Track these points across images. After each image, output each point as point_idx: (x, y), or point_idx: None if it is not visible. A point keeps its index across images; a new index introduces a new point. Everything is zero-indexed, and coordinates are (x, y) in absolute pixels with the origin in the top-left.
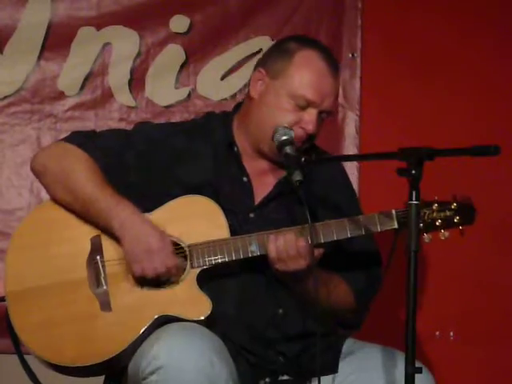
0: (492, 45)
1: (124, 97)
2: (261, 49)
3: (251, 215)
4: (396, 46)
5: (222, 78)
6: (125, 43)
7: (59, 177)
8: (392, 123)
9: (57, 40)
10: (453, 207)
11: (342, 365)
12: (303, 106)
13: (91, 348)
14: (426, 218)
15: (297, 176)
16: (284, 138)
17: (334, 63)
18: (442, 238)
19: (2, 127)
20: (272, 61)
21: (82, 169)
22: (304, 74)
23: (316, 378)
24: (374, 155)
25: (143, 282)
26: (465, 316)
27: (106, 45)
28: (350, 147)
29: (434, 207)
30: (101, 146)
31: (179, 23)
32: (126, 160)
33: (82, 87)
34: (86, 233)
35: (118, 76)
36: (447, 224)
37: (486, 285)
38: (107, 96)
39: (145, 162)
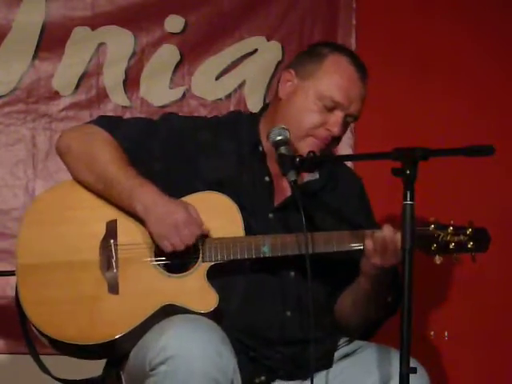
0: (488, 45)
1: (119, 97)
2: (256, 49)
3: (270, 216)
4: (390, 46)
5: (217, 78)
6: (119, 43)
7: (83, 157)
8: (386, 123)
9: (51, 40)
10: (468, 232)
11: (336, 360)
12: (330, 107)
13: (94, 328)
14: (440, 240)
15: (291, 176)
16: (279, 138)
17: (363, 70)
18: (454, 261)
19: None
20: (302, 63)
21: (107, 150)
22: (333, 77)
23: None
24: (368, 155)
25: (159, 266)
26: (460, 316)
27: (101, 45)
28: (344, 147)
29: (449, 230)
30: (127, 131)
31: (174, 23)
32: (150, 147)
33: (77, 87)
34: (103, 216)
35: (112, 76)
36: (460, 248)
37: (481, 285)
38: (102, 96)
39: (169, 151)
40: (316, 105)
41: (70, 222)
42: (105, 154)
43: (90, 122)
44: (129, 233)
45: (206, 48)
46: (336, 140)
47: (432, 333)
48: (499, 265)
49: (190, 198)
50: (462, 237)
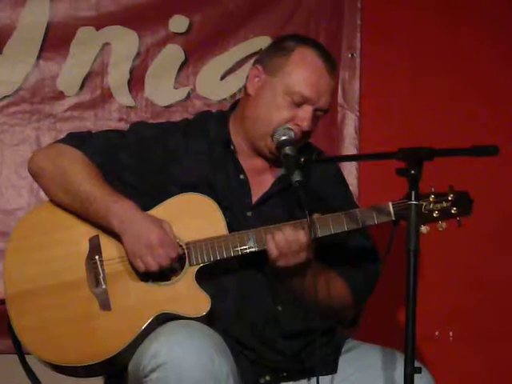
0: (492, 45)
1: (123, 97)
2: (261, 49)
3: (248, 213)
4: (395, 46)
5: (222, 78)
6: (124, 43)
7: (56, 178)
8: (391, 123)
9: (56, 40)
10: (450, 198)
11: (341, 365)
12: (299, 102)
13: (92, 348)
14: (423, 209)
15: (296, 176)
16: (283, 138)
17: (331, 62)
18: (440, 229)
19: (1, 127)
20: (270, 58)
21: (79, 168)
22: (301, 72)
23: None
24: (373, 155)
25: (146, 277)
26: (464, 316)
27: (106, 45)
28: (349, 147)
29: (431, 198)
30: (96, 146)
31: (178, 23)
32: (121, 159)
33: (82, 87)
34: (84, 233)
35: (117, 76)
36: (444, 215)
37: (485, 285)
38: (107, 96)
39: (140, 160)
40: (285, 100)
41: (54, 244)
42: (78, 173)
43: (59, 141)
44: (112, 246)
45: (210, 48)
46: (307, 134)
47: (437, 333)
48: (503, 264)
49: (169, 202)
50: (444, 203)
